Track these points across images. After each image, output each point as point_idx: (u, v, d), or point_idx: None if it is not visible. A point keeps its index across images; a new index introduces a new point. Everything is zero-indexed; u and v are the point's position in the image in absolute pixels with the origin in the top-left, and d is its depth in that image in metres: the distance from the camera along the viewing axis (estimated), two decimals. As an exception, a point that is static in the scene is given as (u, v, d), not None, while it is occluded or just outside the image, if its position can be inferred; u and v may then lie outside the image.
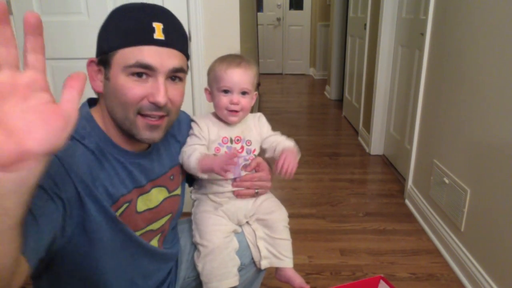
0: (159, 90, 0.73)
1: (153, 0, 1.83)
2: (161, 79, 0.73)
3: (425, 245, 1.84)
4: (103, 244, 0.77)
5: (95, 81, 0.78)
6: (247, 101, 0.99)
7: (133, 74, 0.73)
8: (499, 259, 1.38)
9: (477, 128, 1.52)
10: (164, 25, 0.73)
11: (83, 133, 0.74)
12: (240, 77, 0.96)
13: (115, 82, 0.74)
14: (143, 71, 0.73)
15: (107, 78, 0.75)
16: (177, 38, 0.76)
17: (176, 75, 0.77)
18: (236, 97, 0.97)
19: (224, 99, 0.98)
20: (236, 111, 0.98)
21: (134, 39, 0.72)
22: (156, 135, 0.79)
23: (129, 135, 0.78)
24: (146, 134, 0.77)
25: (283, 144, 1.03)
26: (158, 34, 0.72)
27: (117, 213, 0.77)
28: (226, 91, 0.98)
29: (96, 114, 0.80)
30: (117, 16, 0.75)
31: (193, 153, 0.93)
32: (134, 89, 0.73)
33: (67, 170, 0.68)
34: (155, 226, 0.89)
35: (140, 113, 0.75)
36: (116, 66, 0.73)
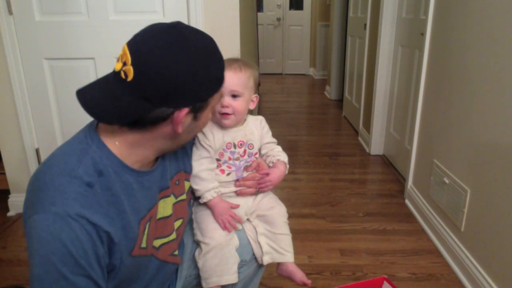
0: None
1: (153, 5, 1.85)
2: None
3: (425, 245, 1.84)
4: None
5: (178, 125, 0.76)
6: (238, 104, 0.98)
7: None
8: (499, 259, 1.38)
9: (477, 128, 1.52)
10: None
11: (101, 166, 0.73)
12: (229, 79, 0.93)
13: (204, 119, 0.81)
14: None
15: (197, 119, 0.79)
16: None
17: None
18: (226, 100, 0.97)
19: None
20: (228, 114, 0.98)
21: (222, 83, 0.81)
22: None
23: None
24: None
25: (276, 158, 1.07)
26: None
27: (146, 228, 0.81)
28: None
29: (106, 140, 0.76)
30: (202, 65, 0.74)
31: (207, 192, 1.00)
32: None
33: (112, 237, 0.72)
34: (171, 237, 0.91)
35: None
36: (209, 108, 0.81)
